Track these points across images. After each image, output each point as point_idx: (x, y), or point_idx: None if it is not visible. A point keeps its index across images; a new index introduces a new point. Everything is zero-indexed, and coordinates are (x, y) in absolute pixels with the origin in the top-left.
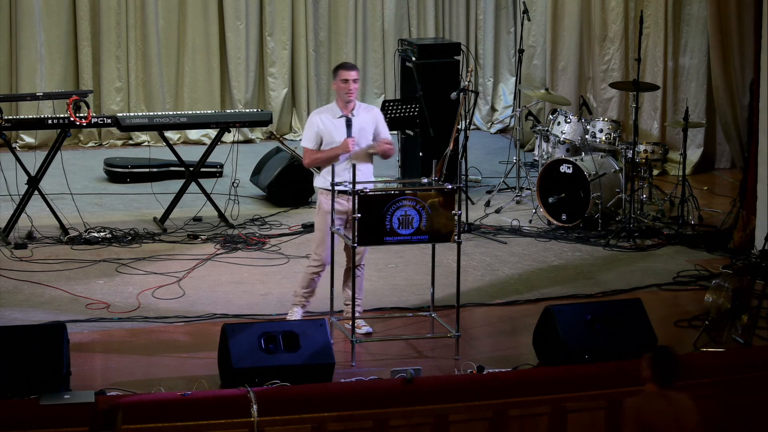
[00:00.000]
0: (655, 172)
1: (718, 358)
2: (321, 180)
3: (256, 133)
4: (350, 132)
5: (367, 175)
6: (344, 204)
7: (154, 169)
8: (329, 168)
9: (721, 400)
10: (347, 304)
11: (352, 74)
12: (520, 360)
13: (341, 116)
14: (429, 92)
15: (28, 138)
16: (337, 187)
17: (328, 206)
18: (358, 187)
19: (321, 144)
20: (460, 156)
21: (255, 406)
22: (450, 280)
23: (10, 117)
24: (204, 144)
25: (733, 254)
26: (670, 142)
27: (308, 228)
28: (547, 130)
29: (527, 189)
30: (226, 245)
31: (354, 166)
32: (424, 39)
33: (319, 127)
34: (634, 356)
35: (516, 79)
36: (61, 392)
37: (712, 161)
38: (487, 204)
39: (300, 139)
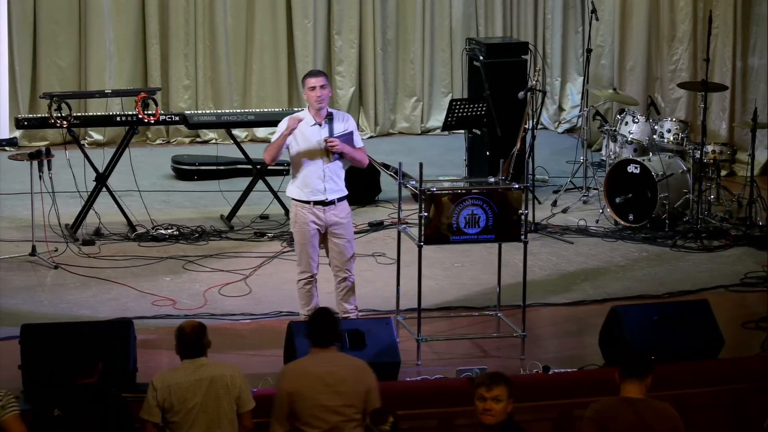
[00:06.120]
0: (723, 172)
1: None
2: (295, 191)
3: None
4: (332, 128)
5: (338, 182)
6: (320, 215)
7: (222, 167)
8: (303, 177)
9: None
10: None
11: (318, 81)
12: (585, 360)
13: (314, 124)
14: (496, 91)
15: (96, 135)
16: (312, 198)
17: (304, 218)
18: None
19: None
20: (527, 155)
21: None
22: (516, 280)
23: (79, 114)
24: None
25: None
26: (738, 143)
27: (375, 226)
28: (615, 130)
29: (594, 189)
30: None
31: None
32: (491, 38)
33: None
34: (701, 357)
35: (584, 79)
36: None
37: None
38: (554, 204)
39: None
